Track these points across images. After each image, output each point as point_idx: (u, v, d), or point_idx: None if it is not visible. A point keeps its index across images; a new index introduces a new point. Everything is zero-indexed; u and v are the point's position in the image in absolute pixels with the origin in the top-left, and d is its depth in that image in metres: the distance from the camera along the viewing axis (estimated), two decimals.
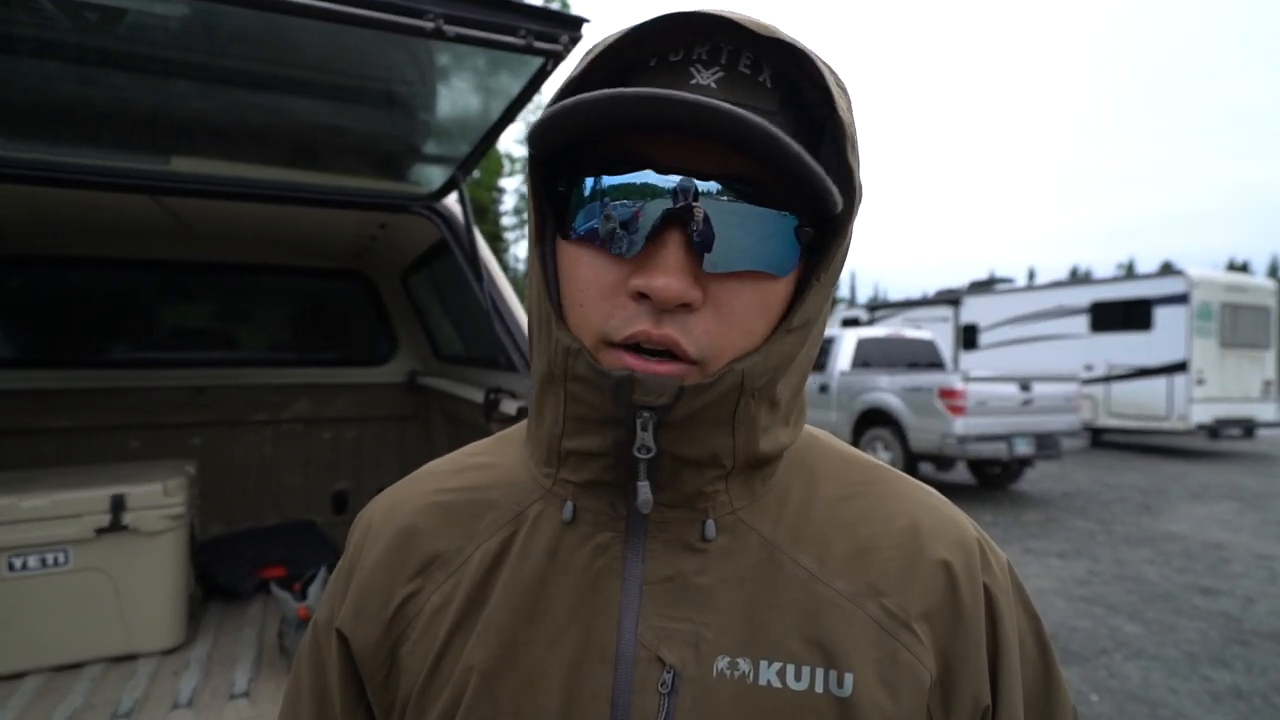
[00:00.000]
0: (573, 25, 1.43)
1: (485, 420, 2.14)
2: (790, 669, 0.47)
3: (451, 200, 2.34)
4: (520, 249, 26.38)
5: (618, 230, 0.44)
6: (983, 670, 0.50)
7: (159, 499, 2.19)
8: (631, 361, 0.44)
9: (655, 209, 0.42)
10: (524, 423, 0.59)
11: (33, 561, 2.05)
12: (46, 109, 1.76)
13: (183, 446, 3.08)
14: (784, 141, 0.39)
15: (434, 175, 2.26)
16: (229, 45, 1.48)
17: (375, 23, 1.30)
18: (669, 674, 0.46)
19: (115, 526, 2.12)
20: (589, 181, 0.45)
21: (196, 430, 3.12)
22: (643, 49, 0.46)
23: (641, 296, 0.43)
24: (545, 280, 0.49)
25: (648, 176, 0.43)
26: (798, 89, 0.46)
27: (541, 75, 1.53)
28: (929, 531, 0.52)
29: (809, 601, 0.49)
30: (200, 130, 1.92)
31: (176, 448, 3.05)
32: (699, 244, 0.43)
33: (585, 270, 0.46)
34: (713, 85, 0.44)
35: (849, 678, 0.47)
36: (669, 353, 0.44)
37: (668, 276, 0.42)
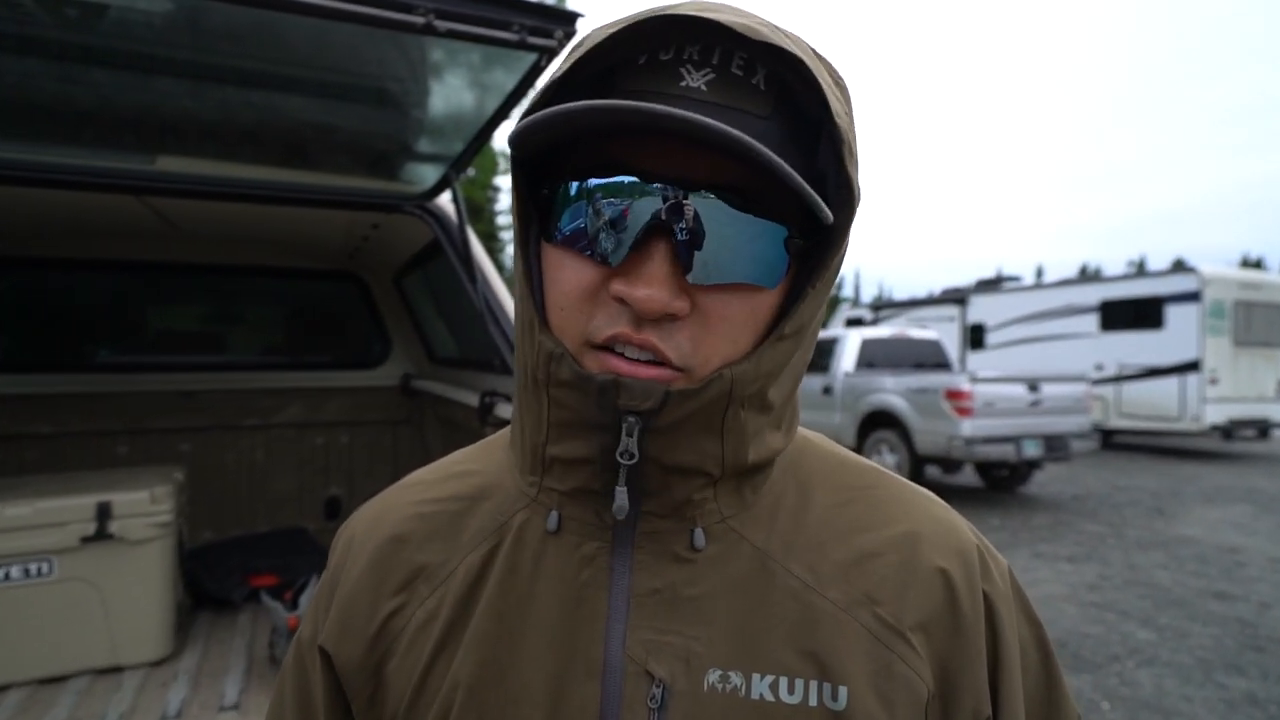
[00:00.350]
0: (567, 20, 1.43)
1: (480, 424, 2.11)
2: (783, 682, 0.46)
3: (445, 199, 2.32)
4: None
5: (602, 234, 0.43)
6: (982, 681, 0.48)
7: (146, 506, 2.16)
8: (616, 364, 0.43)
9: (640, 214, 0.41)
10: (508, 429, 0.58)
11: (15, 571, 2.02)
12: (25, 106, 1.73)
13: (171, 452, 3.05)
14: (768, 157, 0.38)
15: (427, 174, 2.23)
16: (216, 42, 1.47)
17: (365, 18, 1.29)
18: (659, 688, 0.45)
19: (101, 535, 2.10)
20: (574, 186, 0.44)
21: (186, 435, 3.10)
22: (632, 46, 0.44)
23: (623, 301, 0.42)
24: (529, 284, 0.48)
25: (634, 183, 0.42)
26: (794, 91, 0.45)
27: (535, 71, 1.54)
28: (926, 538, 0.51)
29: (802, 612, 0.48)
30: (187, 129, 1.90)
31: (165, 453, 3.03)
32: (685, 254, 0.42)
33: (568, 274, 0.45)
34: (703, 87, 0.43)
35: (843, 690, 0.46)
36: (654, 359, 0.43)
37: (651, 288, 0.41)
